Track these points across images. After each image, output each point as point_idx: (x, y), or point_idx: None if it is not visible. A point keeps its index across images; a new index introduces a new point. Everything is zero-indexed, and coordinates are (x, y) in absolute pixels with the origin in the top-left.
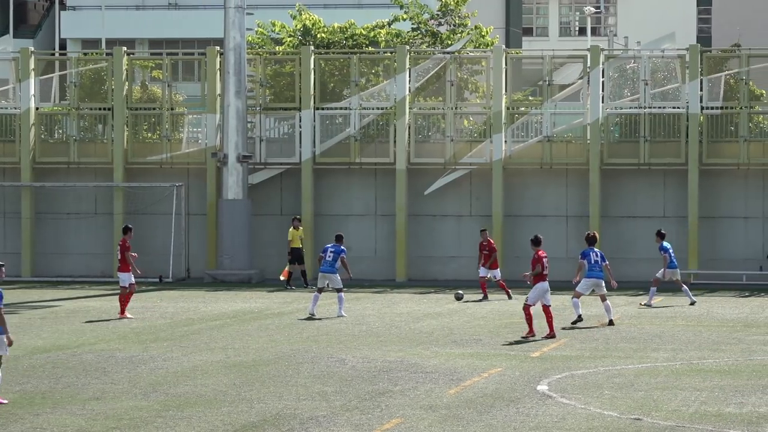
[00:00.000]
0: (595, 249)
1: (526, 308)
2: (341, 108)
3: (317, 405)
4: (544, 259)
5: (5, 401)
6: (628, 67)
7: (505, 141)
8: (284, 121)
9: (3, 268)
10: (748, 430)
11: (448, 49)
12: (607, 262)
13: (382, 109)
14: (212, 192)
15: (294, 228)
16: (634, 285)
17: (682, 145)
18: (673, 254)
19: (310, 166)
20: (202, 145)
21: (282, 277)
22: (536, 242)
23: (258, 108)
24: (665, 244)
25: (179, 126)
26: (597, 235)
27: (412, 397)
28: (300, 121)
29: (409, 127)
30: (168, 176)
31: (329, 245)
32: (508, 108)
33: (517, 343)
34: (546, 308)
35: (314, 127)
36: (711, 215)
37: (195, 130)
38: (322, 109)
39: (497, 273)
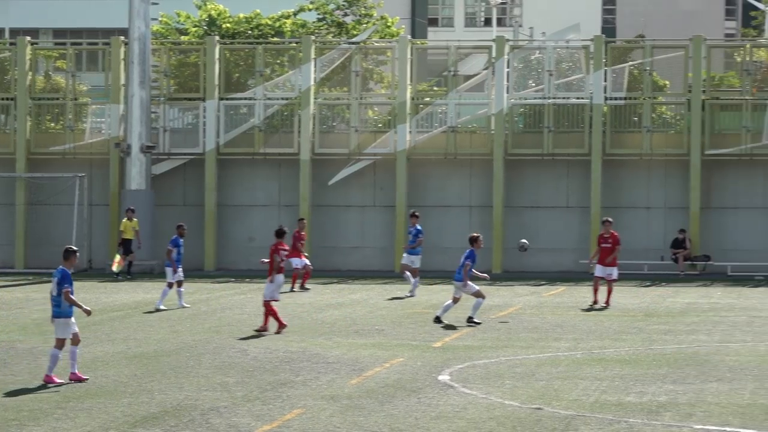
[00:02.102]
0: (473, 249)
1: (266, 304)
2: (246, 98)
3: (218, 396)
4: (282, 252)
5: (86, 377)
6: (532, 57)
7: (410, 131)
8: (188, 112)
9: (77, 254)
10: (648, 419)
11: (354, 40)
12: (469, 262)
13: (286, 99)
14: (115, 182)
15: (128, 219)
16: (536, 275)
17: (586, 135)
18: None
19: (213, 157)
20: (106, 136)
21: (114, 267)
22: (279, 234)
23: (162, 98)
24: None
25: (83, 116)
26: (477, 236)
27: (313, 388)
28: (204, 111)
29: (314, 118)
30: (71, 167)
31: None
32: (412, 98)
33: (420, 333)
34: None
35: (218, 118)
36: (613, 205)
37: (98, 120)
38: (227, 99)
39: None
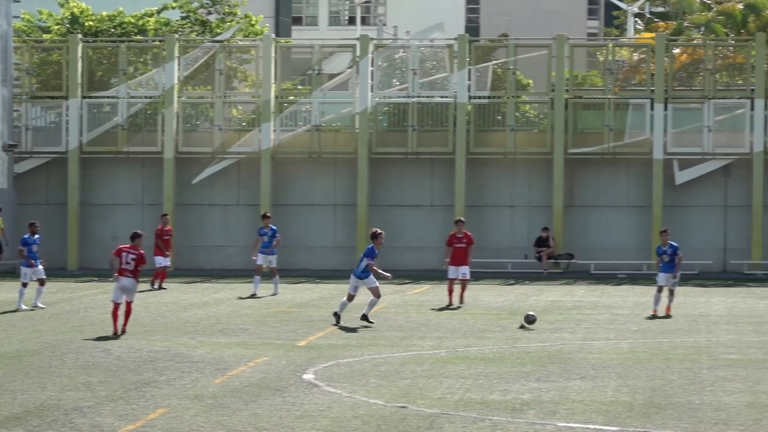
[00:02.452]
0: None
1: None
2: (109, 97)
3: (82, 395)
4: (127, 254)
5: None
6: (396, 56)
7: (274, 130)
8: (51, 110)
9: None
10: (512, 416)
11: (217, 38)
12: (368, 260)
13: (150, 97)
14: None
15: None
16: (402, 273)
17: (450, 134)
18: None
19: (76, 155)
20: None
21: None
22: (133, 237)
23: (24, 96)
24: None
25: None
26: (377, 232)
27: (177, 387)
28: (67, 109)
29: (178, 116)
30: None
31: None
32: (277, 97)
33: (284, 332)
34: (127, 304)
35: (81, 116)
36: (478, 204)
37: None
38: (90, 97)
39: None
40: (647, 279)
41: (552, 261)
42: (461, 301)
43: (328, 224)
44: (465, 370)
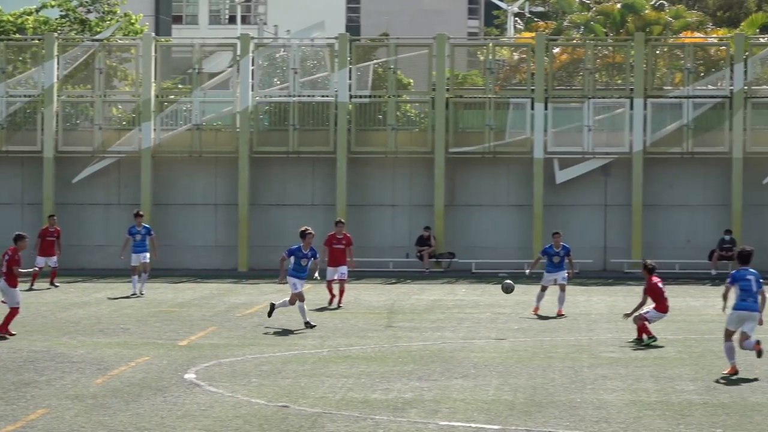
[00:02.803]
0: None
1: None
2: None
3: None
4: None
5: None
6: (277, 55)
7: (155, 129)
8: None
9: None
10: (394, 415)
11: (97, 37)
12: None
13: (29, 96)
14: None
15: None
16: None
17: (331, 133)
18: None
19: None
20: None
21: None
22: (15, 239)
23: None
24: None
25: None
26: (306, 231)
27: (58, 387)
28: None
29: (57, 115)
30: None
31: None
32: (157, 96)
33: (165, 332)
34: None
35: None
36: (359, 203)
37: None
38: None
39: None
40: (528, 278)
41: (433, 260)
42: (340, 302)
43: (210, 224)
44: (347, 369)
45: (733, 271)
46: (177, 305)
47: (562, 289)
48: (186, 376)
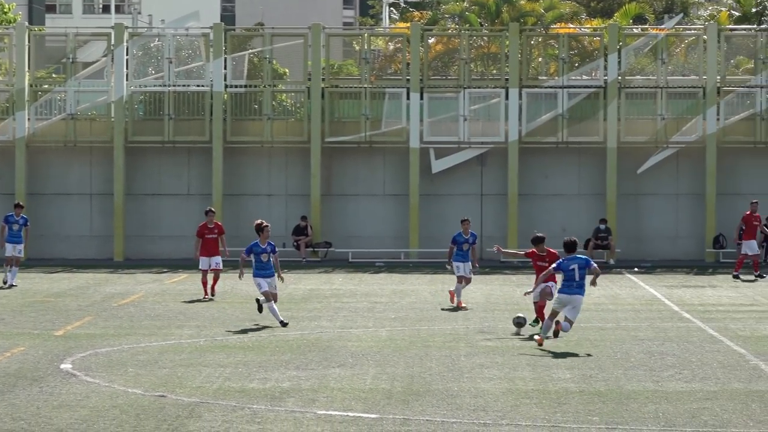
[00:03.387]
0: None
1: None
2: None
3: None
4: None
5: None
6: (152, 45)
7: (29, 118)
8: None
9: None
10: (272, 404)
11: None
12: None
13: None
14: None
15: None
16: (159, 263)
17: (207, 122)
18: None
19: None
20: None
21: None
22: None
23: None
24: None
25: None
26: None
27: None
28: None
29: None
30: None
31: None
32: (31, 85)
33: (41, 322)
34: None
35: None
36: (236, 192)
37: None
38: None
39: None
40: (405, 267)
41: (310, 249)
42: (213, 292)
43: (85, 213)
44: (224, 359)
45: (560, 260)
46: (52, 295)
47: (467, 282)
48: (62, 366)
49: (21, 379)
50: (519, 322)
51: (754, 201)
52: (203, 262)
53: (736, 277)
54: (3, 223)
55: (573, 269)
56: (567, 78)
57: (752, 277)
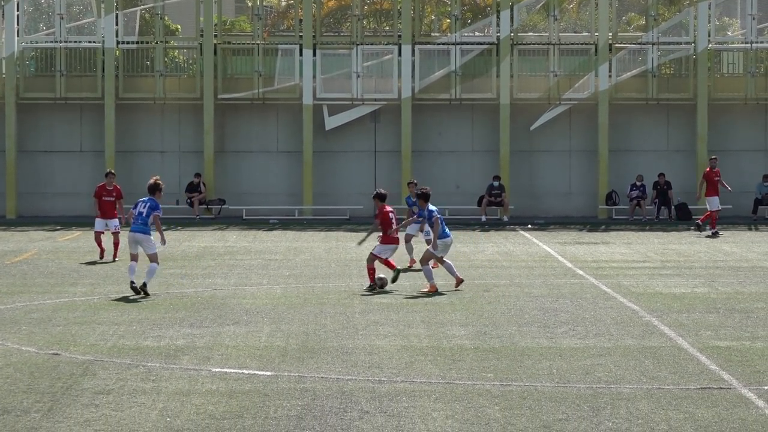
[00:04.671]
0: (153, 198)
1: None
2: None
3: None
4: None
5: None
6: (43, 0)
7: None
8: None
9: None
10: (166, 362)
11: None
12: (159, 213)
13: None
14: None
15: None
16: (52, 220)
17: (99, 79)
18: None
19: None
20: None
21: None
22: None
23: None
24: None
25: None
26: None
27: None
28: None
29: None
30: None
31: None
32: None
33: None
34: None
35: None
36: (128, 149)
37: None
38: None
39: None
40: (299, 224)
41: (204, 207)
42: (115, 256)
43: None
44: (118, 317)
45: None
46: None
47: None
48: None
49: None
50: (382, 284)
51: (713, 157)
52: (98, 223)
53: (700, 227)
54: None
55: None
56: (459, 35)
57: (709, 233)
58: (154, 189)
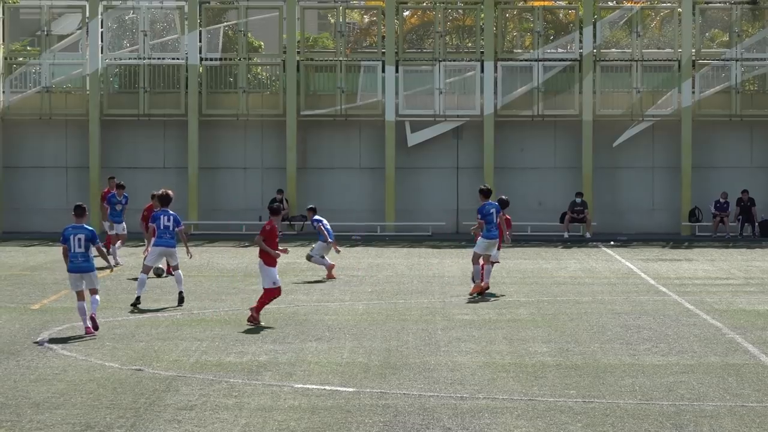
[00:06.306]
0: (169, 211)
1: None
2: None
3: None
4: None
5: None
6: (127, 17)
7: (3, 92)
8: None
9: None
10: (249, 378)
11: None
12: (183, 227)
13: None
14: None
15: None
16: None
17: (182, 95)
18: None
19: None
20: None
21: None
22: None
23: None
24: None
25: None
26: (169, 193)
27: None
28: None
29: None
30: None
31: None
32: (6, 58)
33: (17, 295)
34: None
35: None
36: (212, 166)
37: None
38: None
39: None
40: (381, 240)
41: (286, 223)
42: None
43: (61, 187)
44: (201, 333)
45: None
46: (28, 269)
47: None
48: (39, 339)
49: None
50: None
51: None
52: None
53: None
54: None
55: (492, 213)
56: (542, 51)
57: None
58: (169, 201)
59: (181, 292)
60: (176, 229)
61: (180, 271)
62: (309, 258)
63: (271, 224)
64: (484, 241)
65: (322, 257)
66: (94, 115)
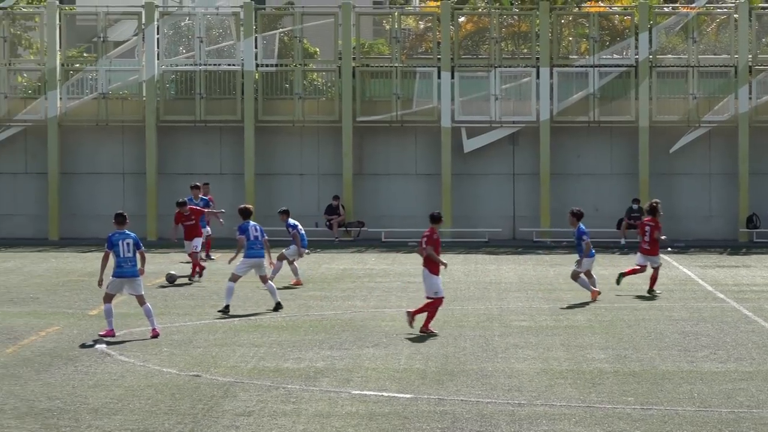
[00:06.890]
0: (252, 222)
1: None
2: None
3: None
4: None
5: None
6: (182, 24)
7: (60, 98)
8: None
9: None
10: (306, 384)
11: (1, 5)
12: (266, 237)
13: None
14: None
15: None
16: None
17: (238, 101)
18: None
19: None
20: None
21: None
22: None
23: None
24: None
25: None
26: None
27: None
28: None
29: None
30: None
31: None
32: (63, 65)
33: (75, 301)
34: None
35: None
36: (268, 172)
37: None
38: None
39: None
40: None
41: (343, 229)
42: (201, 274)
43: (117, 192)
44: (258, 339)
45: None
46: (86, 274)
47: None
48: (97, 345)
49: (56, 358)
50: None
51: None
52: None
53: None
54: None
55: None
56: (598, 57)
57: None
58: (250, 213)
59: (278, 302)
60: (263, 239)
61: (271, 282)
62: (283, 258)
63: (435, 232)
64: (587, 260)
65: (292, 262)
66: (150, 121)
